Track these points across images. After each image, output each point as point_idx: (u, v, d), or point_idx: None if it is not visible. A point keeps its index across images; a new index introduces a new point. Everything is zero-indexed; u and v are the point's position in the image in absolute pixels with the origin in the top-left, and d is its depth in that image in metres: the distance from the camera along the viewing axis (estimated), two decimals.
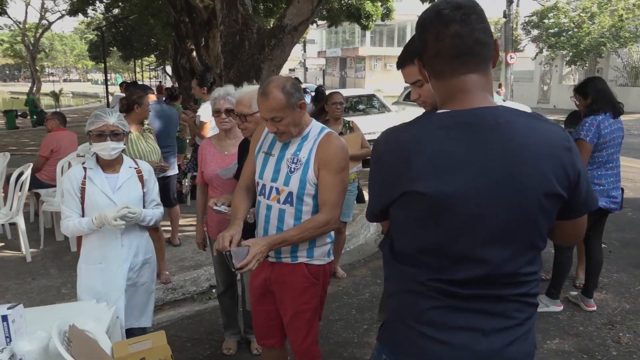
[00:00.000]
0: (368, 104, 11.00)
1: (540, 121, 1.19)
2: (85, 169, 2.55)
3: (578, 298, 3.83)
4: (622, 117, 3.61)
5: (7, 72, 58.79)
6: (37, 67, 29.66)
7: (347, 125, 4.46)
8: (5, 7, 13.39)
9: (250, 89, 2.68)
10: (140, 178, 2.64)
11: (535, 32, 24.90)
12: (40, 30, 29.97)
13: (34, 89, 27.70)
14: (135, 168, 2.65)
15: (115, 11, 22.89)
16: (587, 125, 3.46)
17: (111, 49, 30.35)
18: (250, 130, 2.59)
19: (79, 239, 2.70)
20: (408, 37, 41.12)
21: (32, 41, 29.35)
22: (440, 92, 1.23)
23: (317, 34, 45.59)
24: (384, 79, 35.80)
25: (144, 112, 3.98)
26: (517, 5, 22.99)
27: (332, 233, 2.28)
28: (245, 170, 2.31)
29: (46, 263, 4.68)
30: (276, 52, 5.84)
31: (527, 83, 23.00)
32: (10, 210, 4.75)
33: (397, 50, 37.11)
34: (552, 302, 3.75)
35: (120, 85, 10.69)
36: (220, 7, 6.06)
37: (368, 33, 39.58)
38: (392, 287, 1.31)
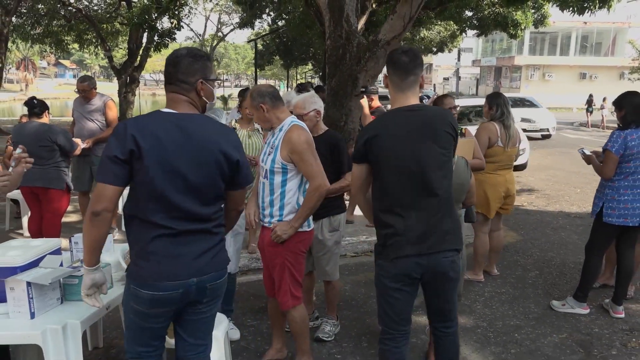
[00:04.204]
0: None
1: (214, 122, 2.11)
2: None
3: (609, 305, 3.94)
4: None
5: None
6: None
7: (459, 131, 4.37)
8: (181, 24, 15.88)
9: (303, 95, 3.46)
10: None
11: None
12: (215, 42, 34.08)
13: None
14: None
15: (281, 23, 25.23)
16: (614, 137, 3.62)
17: (274, 57, 33.25)
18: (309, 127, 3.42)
19: None
20: (572, 45, 38.55)
21: (208, 51, 33.51)
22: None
23: (473, 42, 44.59)
24: (542, 90, 33.84)
25: (243, 112, 4.95)
26: None
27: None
28: None
29: None
30: (370, 63, 6.53)
31: None
32: None
33: (559, 59, 35.14)
34: (578, 305, 3.92)
35: None
36: (328, 24, 6.94)
37: (527, 41, 37.80)
38: (134, 240, 2.00)
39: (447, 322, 2.51)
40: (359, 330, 3.72)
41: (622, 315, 3.84)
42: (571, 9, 12.33)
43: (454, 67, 48.12)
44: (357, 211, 6.43)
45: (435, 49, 27.84)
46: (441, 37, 25.96)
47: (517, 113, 15.92)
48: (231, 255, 3.53)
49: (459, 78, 46.25)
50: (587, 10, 12.04)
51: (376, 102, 5.99)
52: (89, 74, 64.08)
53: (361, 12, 8.41)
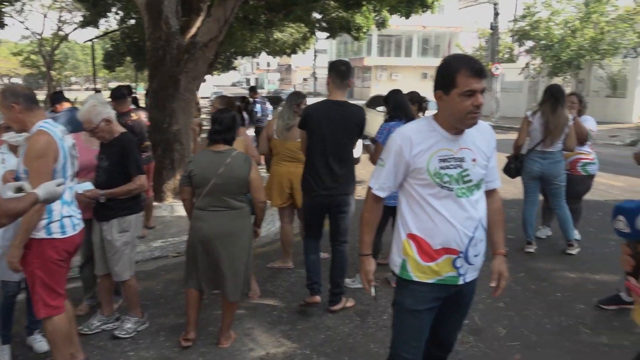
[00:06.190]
0: None
1: None
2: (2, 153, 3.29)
3: (390, 277, 4.47)
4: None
5: (32, 80, 61.29)
6: (53, 77, 31.19)
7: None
8: (2, 21, 14.54)
9: (85, 110, 3.43)
10: None
11: (530, 43, 25.10)
12: (57, 42, 31.53)
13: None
14: None
15: (132, 22, 23.97)
16: (381, 129, 4.15)
17: (125, 58, 31.53)
18: (105, 137, 3.44)
19: None
20: (415, 47, 41.88)
21: (49, 51, 30.92)
22: None
23: (328, 43, 46.43)
24: (389, 89, 36.19)
25: None
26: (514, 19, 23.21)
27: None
28: None
29: None
30: (190, 65, 6.62)
31: (517, 93, 23.39)
32: None
33: (403, 61, 37.75)
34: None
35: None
36: (147, 25, 6.88)
37: (374, 43, 40.31)
38: None
39: (338, 241, 3.98)
40: (159, 326, 3.80)
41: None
42: (399, 13, 13.64)
43: (312, 68, 49.86)
44: (165, 212, 6.50)
45: (289, 51, 28.45)
46: (294, 38, 26.63)
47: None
48: None
49: (315, 79, 47.95)
50: (412, 13, 13.34)
51: None
52: None
53: (196, 13, 8.37)
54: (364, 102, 14.12)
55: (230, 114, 3.43)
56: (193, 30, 7.58)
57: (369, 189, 2.30)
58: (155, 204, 6.36)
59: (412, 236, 2.19)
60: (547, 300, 4.24)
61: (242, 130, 4.60)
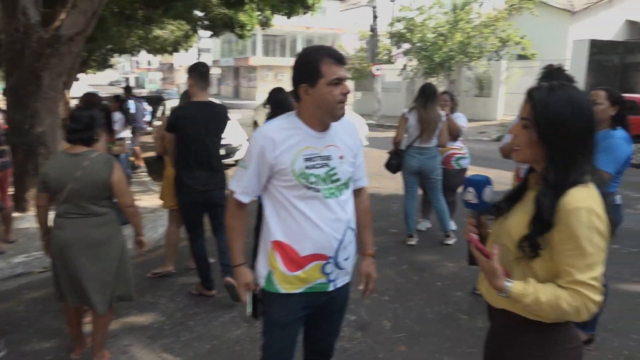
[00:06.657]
0: None
1: None
2: None
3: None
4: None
5: None
6: None
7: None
8: None
9: None
10: None
11: (407, 45, 26.41)
12: None
13: None
14: None
15: None
16: None
17: None
18: None
19: None
20: (299, 47, 42.32)
21: None
22: None
23: (211, 42, 45.43)
24: None
25: None
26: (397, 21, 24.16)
27: None
28: None
29: None
30: (54, 60, 6.03)
31: (396, 93, 24.55)
32: None
33: (288, 60, 38.13)
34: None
35: None
36: (1, 15, 6.15)
37: (259, 43, 40.17)
38: None
39: (223, 231, 3.98)
40: (20, 353, 3.37)
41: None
42: (281, 12, 13.70)
43: None
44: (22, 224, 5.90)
45: (170, 49, 27.36)
46: (175, 36, 25.63)
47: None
48: None
49: None
50: (294, 13, 13.44)
51: None
52: None
53: (61, 4, 7.62)
54: (259, 102, 14.01)
55: (90, 112, 3.10)
56: (57, 23, 6.93)
57: (232, 193, 2.10)
58: (15, 214, 5.71)
59: (277, 243, 2.03)
60: (428, 290, 4.42)
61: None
